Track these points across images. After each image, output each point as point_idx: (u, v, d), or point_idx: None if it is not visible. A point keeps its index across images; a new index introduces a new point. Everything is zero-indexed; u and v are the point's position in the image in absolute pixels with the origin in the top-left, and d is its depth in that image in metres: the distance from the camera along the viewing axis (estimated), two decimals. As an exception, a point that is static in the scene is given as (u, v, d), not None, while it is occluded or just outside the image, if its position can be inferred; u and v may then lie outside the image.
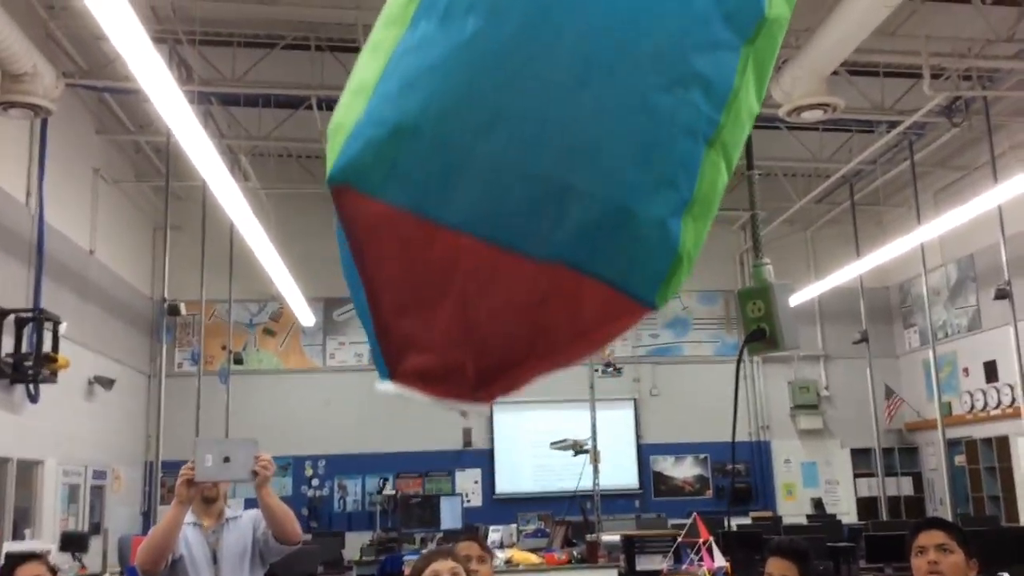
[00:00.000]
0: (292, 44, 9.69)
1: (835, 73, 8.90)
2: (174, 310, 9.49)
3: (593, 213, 1.31)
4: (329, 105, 10.71)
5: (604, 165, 1.30)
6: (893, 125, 10.66)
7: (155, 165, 12.00)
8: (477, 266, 1.35)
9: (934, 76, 9.37)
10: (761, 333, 2.03)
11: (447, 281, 1.37)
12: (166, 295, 9.42)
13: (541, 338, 1.44)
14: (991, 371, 12.05)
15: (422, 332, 1.43)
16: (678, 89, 1.32)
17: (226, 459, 3.38)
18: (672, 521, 10.40)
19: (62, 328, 9.21)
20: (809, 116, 9.04)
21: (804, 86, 8.76)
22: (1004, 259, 10.10)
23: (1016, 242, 10.51)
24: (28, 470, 9.09)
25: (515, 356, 1.45)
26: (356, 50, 9.50)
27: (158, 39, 9.04)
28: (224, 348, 12.70)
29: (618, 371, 12.21)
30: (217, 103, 10.59)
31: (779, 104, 8.96)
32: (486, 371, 1.45)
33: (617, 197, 1.31)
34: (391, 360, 1.47)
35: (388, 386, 1.48)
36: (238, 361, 12.88)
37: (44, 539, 8.88)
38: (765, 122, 10.11)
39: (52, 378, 9.00)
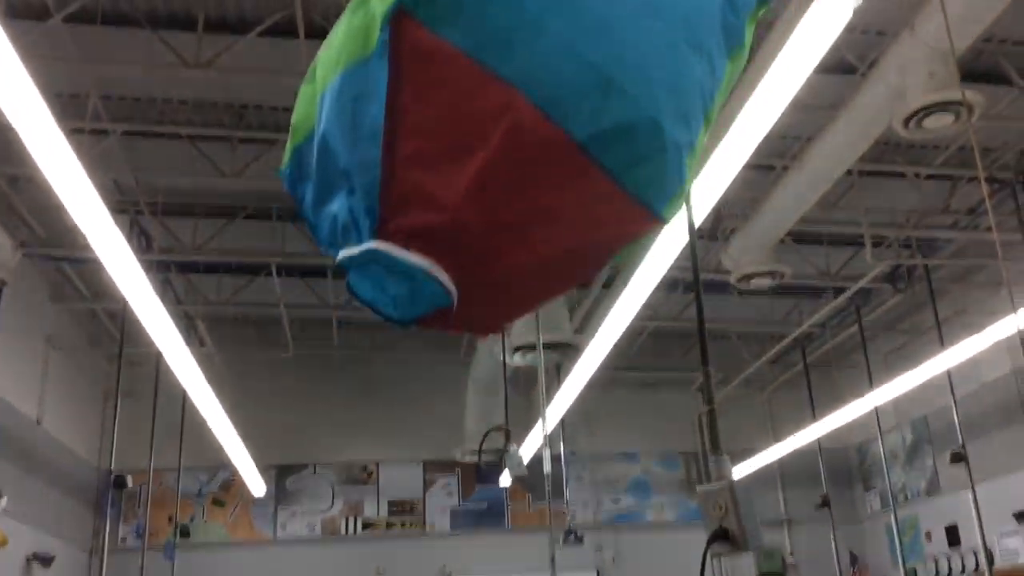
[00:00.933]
0: (253, 214, 9.86)
1: (781, 241, 9.22)
2: (120, 483, 9.18)
3: (630, 115, 1.45)
4: (289, 272, 10.83)
5: (645, 78, 1.47)
6: (840, 291, 10.98)
7: (109, 331, 11.89)
8: (518, 126, 1.38)
9: (875, 244, 9.75)
10: (724, 533, 2.01)
11: (485, 134, 1.39)
12: (113, 465, 9.13)
13: (548, 222, 1.47)
14: (953, 536, 11.95)
15: (438, 186, 1.41)
16: (698, 52, 1.57)
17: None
18: None
19: (2, 503, 8.82)
20: (758, 283, 9.29)
21: (752, 255, 9.05)
22: (957, 422, 10.21)
23: (968, 404, 10.66)
24: (-49, 659, 8.47)
25: (515, 235, 1.46)
26: (316, 220, 9.68)
27: (119, 210, 9.17)
28: (171, 520, 12.22)
29: (580, 539, 11.91)
30: (176, 271, 10.64)
31: (728, 271, 9.22)
32: (484, 245, 1.44)
33: (651, 110, 1.47)
34: (387, 213, 1.42)
35: (366, 246, 1.43)
36: (185, 533, 12.37)
37: None
38: (716, 287, 10.36)
39: (-14, 557, 8.54)
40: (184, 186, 9.23)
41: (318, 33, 6.98)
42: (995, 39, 7.41)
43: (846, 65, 7.47)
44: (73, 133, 7.17)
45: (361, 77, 1.46)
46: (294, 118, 1.67)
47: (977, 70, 7.70)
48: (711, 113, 1.62)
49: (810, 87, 6.44)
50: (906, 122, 6.53)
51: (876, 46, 7.32)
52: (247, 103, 8.15)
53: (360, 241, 1.46)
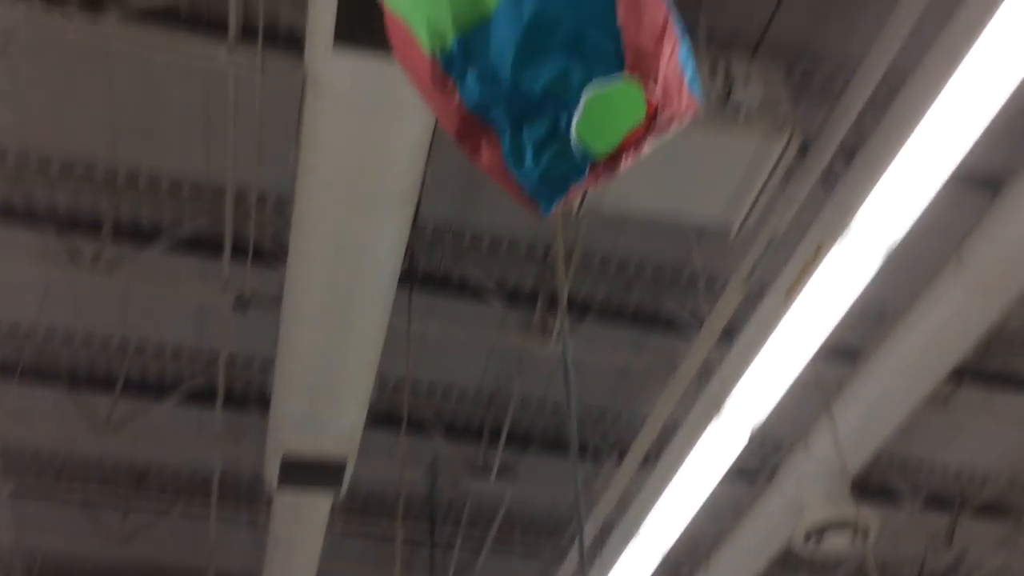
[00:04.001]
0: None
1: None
2: None
3: None
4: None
5: None
6: None
7: None
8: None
9: None
10: None
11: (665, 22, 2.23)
12: None
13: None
14: None
15: (647, 42, 2.19)
16: None
17: None
18: None
19: None
20: None
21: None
22: None
23: None
24: None
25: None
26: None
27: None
28: None
29: None
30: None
31: None
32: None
33: None
34: (629, 59, 2.16)
35: (621, 77, 2.16)
36: None
37: None
38: None
39: None
40: (67, 551, 8.64)
41: (237, 399, 7.07)
42: (884, 459, 7.81)
43: (747, 472, 7.71)
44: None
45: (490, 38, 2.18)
46: (455, 11, 2.22)
47: (871, 486, 8.01)
48: None
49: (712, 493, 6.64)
50: (807, 539, 6.60)
51: (775, 454, 7.63)
52: (150, 467, 7.95)
53: (611, 73, 2.18)
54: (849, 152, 4.68)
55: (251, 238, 5.62)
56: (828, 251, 5.04)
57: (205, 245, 5.89)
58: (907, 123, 4.22)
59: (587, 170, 2.26)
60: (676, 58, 2.24)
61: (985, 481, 8.25)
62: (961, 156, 4.38)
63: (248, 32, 4.60)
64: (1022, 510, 8.63)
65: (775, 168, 4.49)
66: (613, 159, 2.28)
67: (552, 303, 6.24)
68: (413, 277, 5.73)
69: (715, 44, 4.62)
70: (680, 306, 6.44)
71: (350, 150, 4.31)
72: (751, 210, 4.80)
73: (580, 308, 6.39)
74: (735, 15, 4.56)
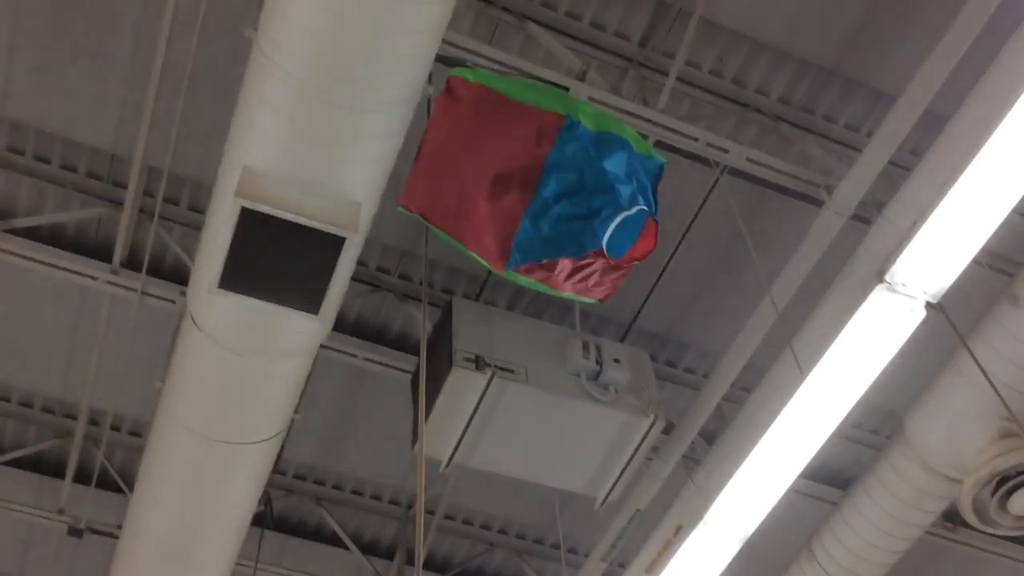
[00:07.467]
0: None
1: None
2: None
3: None
4: None
5: None
6: None
7: None
8: None
9: None
10: None
11: None
12: None
13: None
14: None
15: None
16: None
17: None
18: None
19: None
20: None
21: None
22: None
23: None
24: None
25: None
26: None
27: None
28: None
29: None
30: None
31: None
32: None
33: None
34: None
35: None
36: None
37: None
38: None
39: None
40: None
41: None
42: None
43: None
44: None
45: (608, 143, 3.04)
46: (559, 99, 3.07)
47: None
48: None
49: None
50: None
51: None
52: None
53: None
54: (709, 437, 4.83)
55: (97, 464, 5.30)
56: (688, 532, 5.07)
57: (47, 467, 5.52)
58: (763, 419, 4.40)
59: (578, 257, 2.89)
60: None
61: None
62: (812, 453, 4.57)
63: (133, 264, 4.59)
64: None
65: (640, 445, 4.60)
66: (587, 265, 2.93)
67: (411, 558, 6.01)
68: (266, 520, 5.48)
69: (587, 327, 4.82)
70: (541, 572, 6.28)
71: (218, 389, 4.21)
72: (615, 483, 4.83)
73: (440, 566, 6.18)
74: (608, 301, 4.80)
